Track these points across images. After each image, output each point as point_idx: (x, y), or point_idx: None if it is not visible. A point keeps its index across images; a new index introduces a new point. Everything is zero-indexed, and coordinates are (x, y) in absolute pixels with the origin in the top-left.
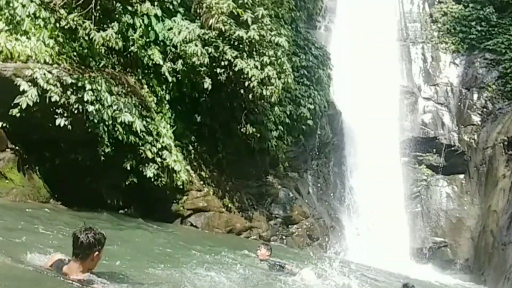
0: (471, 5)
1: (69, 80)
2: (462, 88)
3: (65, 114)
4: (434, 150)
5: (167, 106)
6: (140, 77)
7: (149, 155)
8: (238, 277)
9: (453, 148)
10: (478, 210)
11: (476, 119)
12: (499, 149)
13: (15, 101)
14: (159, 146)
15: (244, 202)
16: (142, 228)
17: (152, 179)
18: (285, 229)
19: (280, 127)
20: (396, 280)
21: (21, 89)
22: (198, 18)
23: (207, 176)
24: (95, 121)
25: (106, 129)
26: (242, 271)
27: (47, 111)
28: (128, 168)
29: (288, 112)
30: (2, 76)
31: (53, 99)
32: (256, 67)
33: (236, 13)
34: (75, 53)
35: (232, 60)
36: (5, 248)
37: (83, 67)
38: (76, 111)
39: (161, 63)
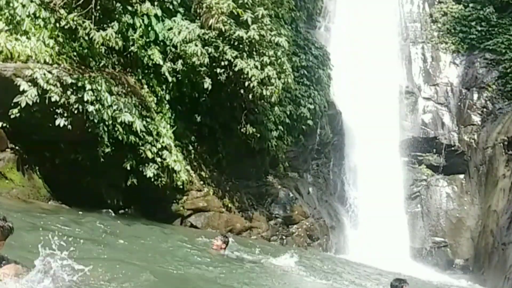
0: (471, 5)
1: (69, 80)
2: (462, 88)
3: (65, 114)
4: (434, 150)
5: (167, 106)
6: (140, 77)
7: (149, 155)
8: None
9: (453, 148)
10: (478, 210)
11: (476, 119)
12: (499, 149)
13: (15, 100)
14: (159, 146)
15: (244, 202)
16: (142, 228)
17: (152, 179)
18: (285, 229)
19: (280, 127)
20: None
21: (21, 89)
22: (198, 18)
23: (207, 176)
24: (95, 121)
25: (106, 129)
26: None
27: (47, 111)
28: (128, 168)
29: (288, 112)
30: (2, 76)
31: (53, 99)
32: (256, 67)
33: (236, 13)
34: (75, 53)
35: (232, 60)
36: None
37: (83, 67)
38: (76, 111)
39: (161, 63)
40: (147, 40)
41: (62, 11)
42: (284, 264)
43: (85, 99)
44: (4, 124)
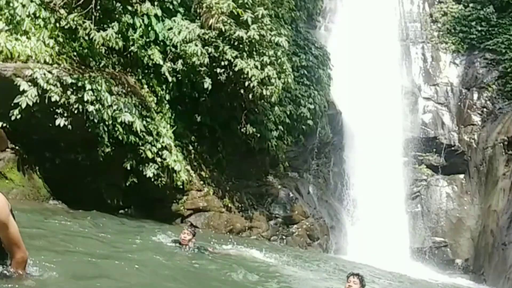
0: (471, 5)
1: (69, 80)
2: (462, 88)
3: (65, 114)
4: (434, 150)
5: (167, 106)
6: (140, 77)
7: (149, 155)
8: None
9: (453, 148)
10: (478, 210)
11: (476, 119)
12: (499, 149)
13: (15, 101)
14: (159, 146)
15: (244, 202)
16: (142, 228)
17: (152, 179)
18: (285, 229)
19: (280, 127)
20: (395, 279)
21: (21, 89)
22: (198, 18)
23: (207, 176)
24: (95, 121)
25: (106, 129)
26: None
27: (47, 111)
28: (128, 168)
29: (288, 112)
30: (2, 76)
31: (53, 99)
32: (256, 67)
33: (236, 13)
34: (75, 53)
35: (232, 60)
36: None
37: (83, 67)
38: (76, 111)
39: (161, 63)
40: (147, 40)
41: (62, 11)
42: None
43: (85, 99)
44: (4, 124)
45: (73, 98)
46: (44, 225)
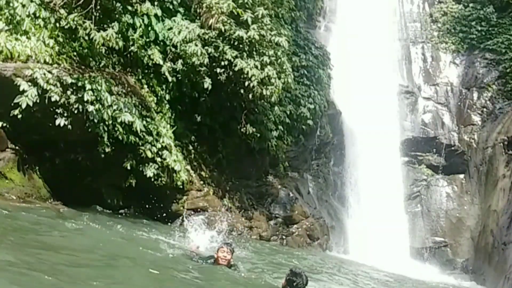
0: (471, 5)
1: (69, 80)
2: (462, 88)
3: (65, 114)
4: (434, 150)
5: (167, 106)
6: (140, 77)
7: (149, 155)
8: None
9: (453, 148)
10: (478, 210)
11: (476, 119)
12: (499, 149)
13: (15, 101)
14: (159, 146)
15: (244, 202)
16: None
17: (152, 179)
18: (285, 229)
19: (280, 127)
20: (395, 279)
21: (21, 89)
22: (198, 18)
23: (207, 176)
24: (95, 121)
25: (106, 129)
26: None
27: (47, 111)
28: (128, 168)
29: (288, 112)
30: (2, 76)
31: (53, 99)
32: (256, 67)
33: (236, 13)
34: (75, 53)
35: (232, 60)
36: None
37: (83, 67)
38: (76, 111)
39: (161, 63)
40: (147, 40)
41: (62, 11)
42: None
43: (85, 99)
44: (4, 124)
45: (73, 98)
46: (45, 225)
